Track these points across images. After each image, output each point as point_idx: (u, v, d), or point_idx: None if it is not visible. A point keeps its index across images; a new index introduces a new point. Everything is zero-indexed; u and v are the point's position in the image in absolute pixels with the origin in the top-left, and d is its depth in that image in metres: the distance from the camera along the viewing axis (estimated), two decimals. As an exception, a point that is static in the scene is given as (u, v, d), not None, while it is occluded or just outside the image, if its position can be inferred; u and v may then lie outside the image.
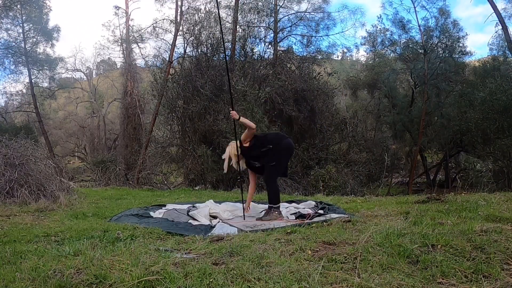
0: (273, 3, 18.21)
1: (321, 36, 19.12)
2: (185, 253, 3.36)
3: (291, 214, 5.62)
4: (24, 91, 26.51)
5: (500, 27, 16.12)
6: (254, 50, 16.52)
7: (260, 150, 5.49)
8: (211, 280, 2.56)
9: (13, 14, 22.26)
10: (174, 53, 18.96)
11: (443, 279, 2.52)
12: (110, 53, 32.15)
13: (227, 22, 17.93)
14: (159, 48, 22.00)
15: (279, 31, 18.25)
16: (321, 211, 5.52)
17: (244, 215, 5.53)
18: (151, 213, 5.69)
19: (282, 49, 18.15)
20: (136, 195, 9.73)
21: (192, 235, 4.22)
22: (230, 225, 4.98)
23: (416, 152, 19.06)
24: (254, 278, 2.59)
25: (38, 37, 23.82)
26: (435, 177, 21.25)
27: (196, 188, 12.80)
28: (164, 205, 6.52)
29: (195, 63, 15.23)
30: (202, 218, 5.24)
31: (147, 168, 16.62)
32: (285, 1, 18.77)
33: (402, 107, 20.54)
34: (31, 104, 24.29)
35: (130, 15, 22.90)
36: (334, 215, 5.15)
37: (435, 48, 18.65)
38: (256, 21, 17.60)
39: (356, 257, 2.88)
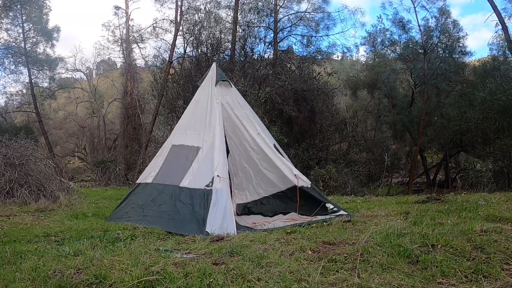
0: (273, 3, 18.20)
1: (321, 36, 19.12)
2: (185, 253, 3.36)
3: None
4: (24, 91, 26.48)
5: (500, 27, 16.12)
6: (254, 50, 16.52)
7: None
8: (211, 280, 2.56)
9: (13, 14, 22.24)
10: (174, 53, 18.98)
11: (443, 279, 2.52)
12: (110, 53, 31.98)
13: (227, 22, 17.93)
14: (159, 48, 21.95)
15: (279, 31, 18.24)
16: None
17: None
18: None
19: (282, 49, 18.14)
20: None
21: (192, 235, 4.22)
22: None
23: (416, 152, 19.05)
24: (254, 278, 2.59)
25: (38, 37, 23.78)
26: (435, 177, 21.24)
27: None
28: None
29: (195, 63, 15.22)
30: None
31: (147, 168, 16.57)
32: (285, 1, 18.77)
33: (402, 107, 20.52)
34: (31, 104, 24.24)
35: (130, 15, 22.91)
36: (334, 216, 5.14)
37: (435, 48, 18.62)
38: (256, 21, 17.58)
39: (356, 257, 2.88)
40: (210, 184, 4.83)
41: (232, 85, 6.24)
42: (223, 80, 5.94)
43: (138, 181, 5.81)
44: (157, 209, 5.02)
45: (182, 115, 6.54)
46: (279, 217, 5.63)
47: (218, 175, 4.87)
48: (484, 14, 52.28)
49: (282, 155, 6.09)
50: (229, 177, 5.31)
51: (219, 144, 5.28)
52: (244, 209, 6.13)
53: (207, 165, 5.12)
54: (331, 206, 5.32)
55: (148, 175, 5.65)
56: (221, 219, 4.55)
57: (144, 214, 5.03)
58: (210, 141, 5.34)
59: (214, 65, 6.17)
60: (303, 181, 5.59)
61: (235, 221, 4.84)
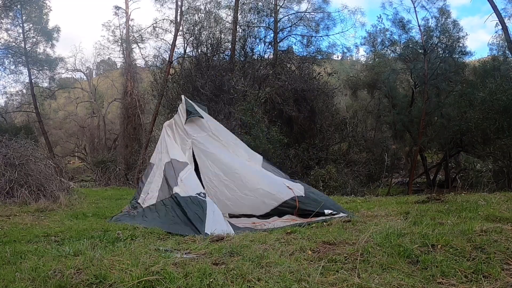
0: (273, 3, 18.20)
1: (321, 36, 19.11)
2: (185, 253, 3.36)
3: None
4: (24, 91, 26.48)
5: (500, 27, 16.12)
6: (254, 50, 16.53)
7: None
8: (211, 280, 2.56)
9: (13, 14, 22.25)
10: (174, 53, 18.98)
11: (443, 279, 2.52)
12: (110, 53, 31.84)
13: (227, 22, 17.93)
14: (159, 48, 21.92)
15: (279, 31, 18.23)
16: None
17: None
18: None
19: (282, 49, 18.14)
20: (136, 195, 9.70)
21: (192, 235, 4.21)
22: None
23: (416, 152, 19.04)
24: (254, 278, 2.58)
25: (38, 37, 23.77)
26: (435, 177, 21.23)
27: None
28: None
29: (195, 63, 15.24)
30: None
31: (147, 168, 16.56)
32: (285, 1, 18.76)
33: (402, 107, 20.52)
34: (31, 104, 24.24)
35: (130, 15, 22.87)
36: (336, 216, 5.13)
37: (435, 48, 18.62)
38: (256, 21, 17.60)
39: (356, 257, 2.88)
40: (202, 194, 4.87)
41: (204, 115, 6.07)
42: (192, 116, 5.87)
43: (145, 205, 5.65)
44: (157, 215, 5.08)
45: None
46: (277, 218, 5.61)
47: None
48: (481, 16, 52.38)
49: (271, 167, 6.07)
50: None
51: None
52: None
53: (194, 176, 5.20)
54: (329, 211, 5.29)
55: (152, 197, 5.61)
56: (219, 223, 4.57)
57: (145, 218, 5.08)
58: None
59: (183, 98, 6.09)
60: (297, 191, 5.56)
61: (234, 224, 4.86)
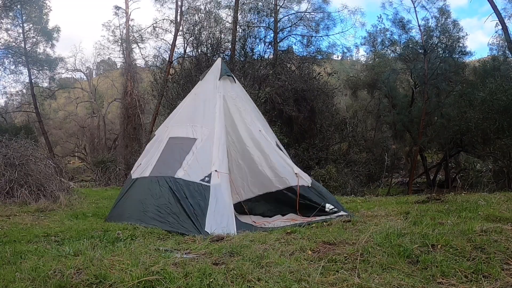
0: (273, 3, 18.20)
1: (321, 36, 19.12)
2: (185, 253, 3.36)
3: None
4: (24, 91, 26.48)
5: (500, 27, 16.13)
6: (254, 50, 16.52)
7: None
8: (211, 280, 2.56)
9: (13, 14, 22.25)
10: (174, 53, 19.00)
11: (443, 279, 2.52)
12: (110, 53, 31.87)
13: (227, 22, 17.94)
14: (159, 48, 21.99)
15: (279, 31, 18.23)
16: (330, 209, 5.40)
17: None
18: None
19: (282, 49, 18.14)
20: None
21: (192, 235, 4.21)
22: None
23: (416, 152, 19.04)
24: (254, 278, 2.59)
25: (38, 37, 23.78)
26: (435, 177, 21.23)
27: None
28: None
29: (195, 63, 15.21)
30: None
31: (147, 168, 16.54)
32: (285, 1, 18.76)
33: (402, 107, 20.52)
34: (31, 104, 24.25)
35: (130, 15, 22.89)
36: (334, 216, 5.13)
37: (435, 48, 18.63)
38: (256, 21, 17.60)
39: (356, 257, 2.88)
40: (207, 179, 4.69)
41: (236, 81, 6.26)
42: (227, 75, 5.94)
43: (134, 176, 5.61)
44: (156, 203, 4.87)
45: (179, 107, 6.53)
46: (279, 217, 5.62)
47: (216, 170, 4.75)
48: (479, 18, 52.39)
49: (284, 153, 6.09)
50: (229, 172, 5.19)
51: (218, 138, 5.14)
52: (241, 209, 6.04)
53: (203, 157, 4.98)
54: (331, 207, 5.28)
55: (145, 169, 5.47)
56: (220, 217, 4.46)
57: (145, 210, 4.89)
58: (208, 134, 5.22)
59: (219, 60, 6.21)
60: (304, 180, 5.55)
61: (235, 218, 4.79)
